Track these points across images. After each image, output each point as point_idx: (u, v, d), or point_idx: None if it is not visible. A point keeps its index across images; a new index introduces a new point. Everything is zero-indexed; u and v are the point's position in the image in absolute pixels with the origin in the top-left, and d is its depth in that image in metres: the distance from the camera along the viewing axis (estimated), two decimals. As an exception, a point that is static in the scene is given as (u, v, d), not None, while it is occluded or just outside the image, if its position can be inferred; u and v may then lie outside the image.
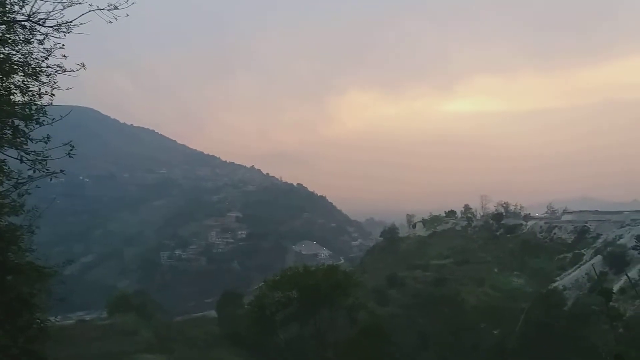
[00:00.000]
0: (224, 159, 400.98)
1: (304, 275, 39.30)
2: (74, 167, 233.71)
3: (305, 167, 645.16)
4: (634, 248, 79.69)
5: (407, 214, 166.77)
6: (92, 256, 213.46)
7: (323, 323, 37.45)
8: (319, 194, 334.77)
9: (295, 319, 37.93)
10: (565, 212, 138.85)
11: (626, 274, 68.37)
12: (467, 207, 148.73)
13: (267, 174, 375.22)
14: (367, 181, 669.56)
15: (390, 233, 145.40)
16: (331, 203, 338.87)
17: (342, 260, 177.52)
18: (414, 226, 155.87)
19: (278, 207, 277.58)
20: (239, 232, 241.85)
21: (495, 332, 55.36)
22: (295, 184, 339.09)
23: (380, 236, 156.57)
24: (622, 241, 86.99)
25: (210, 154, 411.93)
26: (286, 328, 38.54)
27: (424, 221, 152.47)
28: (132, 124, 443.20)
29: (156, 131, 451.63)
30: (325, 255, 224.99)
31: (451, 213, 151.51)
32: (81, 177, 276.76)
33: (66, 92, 9.56)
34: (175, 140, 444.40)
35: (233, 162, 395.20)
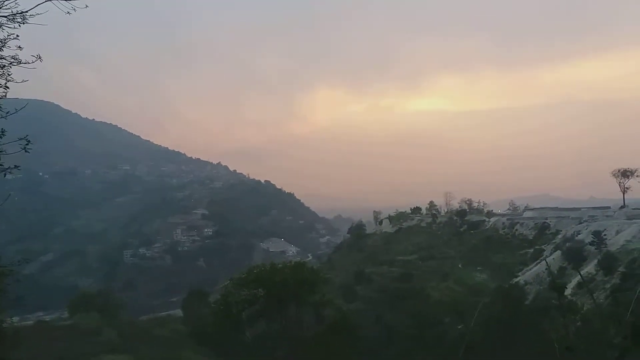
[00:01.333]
0: (189, 155, 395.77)
1: (271, 272, 39.17)
2: (33, 163, 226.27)
3: (272, 164, 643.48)
4: (591, 243, 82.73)
5: (374, 211, 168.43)
6: (53, 255, 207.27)
7: (290, 320, 37.43)
8: (286, 191, 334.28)
9: (261, 316, 37.80)
10: (526, 209, 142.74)
11: (579, 272, 70.74)
12: (432, 204, 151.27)
13: (234, 170, 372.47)
14: (335, 178, 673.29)
15: (357, 230, 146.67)
16: (299, 200, 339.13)
17: (310, 257, 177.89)
18: (381, 223, 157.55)
19: (245, 204, 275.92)
20: (205, 230, 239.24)
21: (459, 326, 56.44)
22: (262, 181, 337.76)
23: (348, 233, 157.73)
24: (580, 237, 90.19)
25: (176, 150, 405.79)
26: (253, 326, 38.35)
27: (390, 218, 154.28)
28: (94, 119, 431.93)
29: (119, 126, 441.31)
30: (293, 252, 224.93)
31: (416, 210, 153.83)
32: (40, 174, 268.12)
33: (25, 86, 9.19)
34: (139, 136, 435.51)
35: (199, 159, 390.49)
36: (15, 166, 8.89)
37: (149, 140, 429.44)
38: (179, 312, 78.60)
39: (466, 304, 63.46)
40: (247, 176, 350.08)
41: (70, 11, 8.51)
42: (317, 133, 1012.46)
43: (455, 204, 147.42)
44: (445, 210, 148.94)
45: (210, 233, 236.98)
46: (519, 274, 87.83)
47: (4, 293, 10.13)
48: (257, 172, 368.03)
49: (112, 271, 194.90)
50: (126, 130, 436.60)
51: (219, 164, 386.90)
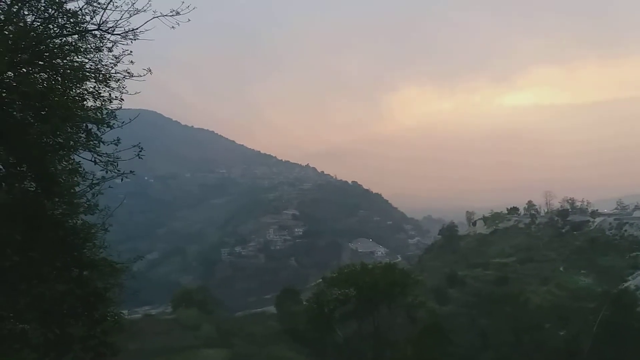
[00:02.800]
0: (279, 158, 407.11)
1: (362, 272, 39.20)
2: (139, 168, 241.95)
3: (359, 165, 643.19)
4: None
5: (467, 211, 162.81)
6: (157, 253, 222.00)
7: (381, 321, 37.25)
8: (374, 192, 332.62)
9: (353, 317, 37.92)
10: (637, 208, 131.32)
11: None
12: (530, 204, 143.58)
13: (322, 172, 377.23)
14: (424, 178, 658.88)
15: (449, 231, 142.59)
16: (387, 200, 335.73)
17: (399, 259, 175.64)
18: (474, 224, 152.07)
19: (333, 204, 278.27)
20: (296, 230, 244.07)
21: (561, 332, 53.07)
22: (349, 182, 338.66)
23: (439, 234, 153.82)
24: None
25: (267, 153, 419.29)
26: (344, 325, 38.60)
27: (484, 218, 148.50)
28: (192, 126, 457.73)
29: (215, 132, 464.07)
30: (382, 253, 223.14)
31: (513, 210, 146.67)
32: (146, 178, 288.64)
33: (128, 97, 10.04)
34: (233, 141, 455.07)
35: (288, 161, 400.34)
36: (131, 171, 9.72)
37: (242, 145, 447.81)
38: (272, 309, 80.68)
39: (569, 309, 59.56)
40: (334, 177, 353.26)
41: (175, 25, 9.14)
42: (404, 132, 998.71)
43: (556, 204, 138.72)
44: (545, 210, 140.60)
45: (301, 233, 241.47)
46: (629, 278, 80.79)
47: (122, 288, 11.10)
48: (344, 173, 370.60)
49: (210, 269, 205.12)
50: (221, 136, 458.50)
51: (307, 165, 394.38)
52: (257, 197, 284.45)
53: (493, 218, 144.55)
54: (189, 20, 9.18)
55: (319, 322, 39.59)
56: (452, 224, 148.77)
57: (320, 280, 47.81)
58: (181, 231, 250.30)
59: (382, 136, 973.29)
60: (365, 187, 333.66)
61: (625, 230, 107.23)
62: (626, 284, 75.59)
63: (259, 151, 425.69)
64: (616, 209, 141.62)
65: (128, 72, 9.69)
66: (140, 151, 9.69)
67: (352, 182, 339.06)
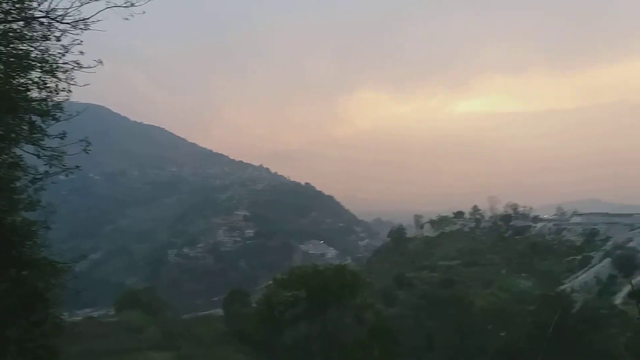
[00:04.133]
0: (232, 157, 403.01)
1: (313, 274, 39.34)
2: (85, 164, 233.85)
3: (313, 167, 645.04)
4: (644, 252, 79.15)
5: (415, 215, 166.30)
6: (101, 252, 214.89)
7: (331, 323, 37.49)
8: (326, 194, 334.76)
9: (303, 319, 37.98)
10: (574, 214, 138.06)
11: (630, 282, 67.78)
12: (475, 208, 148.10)
13: (276, 172, 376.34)
14: (376, 181, 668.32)
15: (397, 233, 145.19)
16: (339, 203, 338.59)
17: (349, 260, 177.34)
18: (422, 227, 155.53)
19: (286, 206, 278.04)
20: (247, 231, 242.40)
21: (502, 334, 55.07)
22: (303, 183, 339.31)
23: (388, 236, 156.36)
24: (632, 244, 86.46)
25: (219, 152, 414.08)
26: (294, 327, 38.59)
27: (432, 222, 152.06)
28: (142, 122, 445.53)
29: (166, 129, 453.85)
30: (332, 255, 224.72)
31: (459, 214, 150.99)
32: (92, 175, 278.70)
33: (76, 90, 9.66)
34: (185, 139, 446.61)
35: (241, 161, 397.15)
36: (77, 166, 9.35)
37: (194, 143, 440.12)
38: (220, 312, 79.70)
39: (510, 311, 61.91)
40: (287, 178, 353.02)
41: (129, 17, 8.88)
42: (360, 135, 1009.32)
43: (500, 208, 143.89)
44: (490, 214, 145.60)
45: (252, 234, 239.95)
46: (566, 281, 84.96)
47: (63, 288, 10.64)
48: (298, 175, 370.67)
49: (156, 270, 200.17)
50: (172, 133, 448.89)
51: (260, 166, 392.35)
52: (208, 197, 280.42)
53: (440, 222, 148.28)
54: (144, 12, 8.94)
55: (268, 324, 39.44)
56: (400, 227, 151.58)
57: (271, 282, 47.63)
58: (128, 230, 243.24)
59: (338, 138, 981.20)
60: (318, 188, 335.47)
61: (564, 235, 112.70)
62: (563, 287, 79.49)
63: (211, 150, 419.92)
64: (555, 214, 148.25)
65: (77, 63, 9.32)
66: (88, 146, 9.34)
67: (306, 183, 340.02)
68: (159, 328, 60.18)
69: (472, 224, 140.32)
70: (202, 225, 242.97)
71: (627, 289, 70.88)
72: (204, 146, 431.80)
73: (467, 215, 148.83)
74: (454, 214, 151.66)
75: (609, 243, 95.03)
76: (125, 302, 74.17)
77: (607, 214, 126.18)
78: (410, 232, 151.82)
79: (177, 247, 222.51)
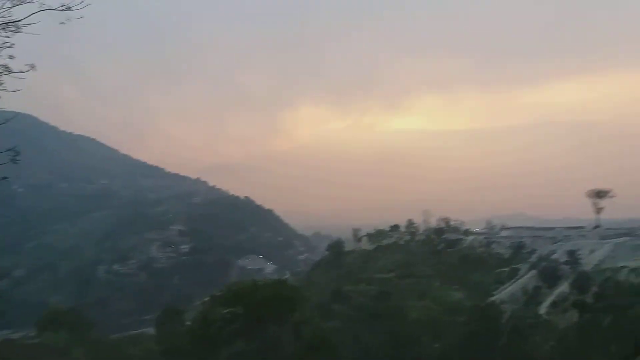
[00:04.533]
0: (168, 170, 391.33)
1: (251, 290, 38.70)
2: (7, 176, 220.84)
3: (252, 180, 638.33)
4: (566, 263, 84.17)
5: (353, 228, 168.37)
6: (24, 270, 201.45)
7: (269, 339, 36.96)
8: (266, 208, 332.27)
9: (240, 335, 37.19)
10: (502, 228, 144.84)
11: (552, 291, 71.74)
12: (410, 222, 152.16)
13: (214, 186, 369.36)
14: (316, 195, 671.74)
15: (336, 247, 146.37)
16: (278, 217, 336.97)
17: (288, 275, 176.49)
18: (360, 240, 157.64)
19: (223, 220, 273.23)
20: (182, 246, 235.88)
21: (436, 345, 56.50)
22: (242, 197, 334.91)
23: (327, 250, 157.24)
24: (555, 256, 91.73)
25: (154, 164, 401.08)
26: (230, 345, 37.70)
27: (369, 235, 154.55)
28: (72, 132, 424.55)
29: (97, 140, 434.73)
30: (271, 270, 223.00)
31: (395, 227, 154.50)
32: (15, 187, 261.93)
33: (6, 95, 9.08)
34: (117, 150, 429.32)
35: (177, 174, 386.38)
36: (4, 177, 8.76)
37: (127, 155, 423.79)
38: (151, 331, 76.95)
39: (443, 323, 63.72)
40: (226, 192, 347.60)
41: (65, 22, 8.50)
42: (299, 149, 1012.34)
43: (433, 222, 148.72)
44: (424, 228, 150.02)
45: (187, 249, 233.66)
46: (495, 292, 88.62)
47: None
48: (236, 188, 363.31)
49: (84, 288, 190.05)
50: (104, 144, 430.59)
51: (198, 179, 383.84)
52: (141, 211, 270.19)
53: (377, 235, 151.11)
54: (82, 17, 8.55)
55: (203, 342, 38.31)
56: (339, 241, 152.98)
57: (207, 298, 46.39)
58: (53, 246, 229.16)
59: (277, 152, 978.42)
60: (257, 202, 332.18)
61: (493, 248, 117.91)
62: (492, 298, 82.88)
63: (146, 162, 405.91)
64: (485, 228, 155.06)
65: (6, 67, 8.74)
66: (16, 155, 8.76)
67: (245, 197, 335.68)
68: (85, 349, 57.15)
69: (408, 237, 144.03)
70: (134, 241, 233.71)
71: (550, 299, 74.96)
72: (138, 158, 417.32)
73: (402, 229, 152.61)
74: (390, 227, 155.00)
75: (535, 255, 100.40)
76: (48, 322, 69.72)
77: (532, 228, 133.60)
78: (349, 246, 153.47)
79: (107, 264, 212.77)
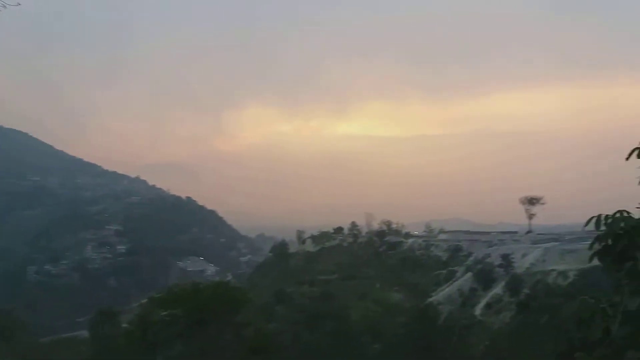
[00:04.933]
0: (106, 168, 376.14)
1: (192, 292, 37.94)
2: None
3: (196, 180, 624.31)
4: (500, 266, 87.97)
5: (298, 230, 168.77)
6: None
7: (209, 341, 36.41)
8: (209, 208, 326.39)
9: (180, 339, 36.37)
10: (441, 231, 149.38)
11: (486, 293, 74.70)
12: (353, 224, 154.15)
13: (154, 185, 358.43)
14: (261, 196, 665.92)
15: (280, 249, 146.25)
16: (221, 218, 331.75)
17: (230, 277, 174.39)
18: (304, 242, 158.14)
19: (164, 220, 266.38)
20: (119, 247, 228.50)
21: (375, 346, 57.57)
22: (184, 197, 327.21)
23: (270, 252, 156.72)
24: (489, 260, 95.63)
25: (92, 161, 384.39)
26: (169, 348, 36.80)
27: (313, 237, 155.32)
28: (2, 125, 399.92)
29: (30, 134, 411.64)
30: (212, 271, 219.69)
31: (339, 230, 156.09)
32: None
33: None
34: (52, 145, 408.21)
35: (116, 172, 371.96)
36: None
37: (62, 150, 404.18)
38: (85, 334, 74.13)
39: (383, 323, 65.07)
40: (167, 191, 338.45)
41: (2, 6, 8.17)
42: (244, 150, 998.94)
43: (376, 225, 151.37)
44: (366, 230, 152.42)
45: (124, 250, 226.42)
46: (433, 294, 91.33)
47: None
48: (178, 188, 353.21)
49: (13, 290, 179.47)
50: (37, 139, 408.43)
51: (137, 177, 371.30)
52: (77, 210, 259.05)
53: (321, 237, 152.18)
54: (19, 4, 8.22)
55: (140, 346, 37.18)
56: (283, 242, 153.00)
57: (145, 300, 45.10)
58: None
59: (222, 152, 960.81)
60: (200, 203, 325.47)
61: (432, 251, 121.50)
62: (430, 299, 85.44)
63: (82, 159, 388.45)
64: (425, 231, 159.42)
65: None
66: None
67: (187, 197, 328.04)
68: (13, 353, 54.29)
69: (351, 240, 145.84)
70: (68, 241, 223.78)
71: (485, 300, 78.13)
72: (74, 154, 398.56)
73: (346, 231, 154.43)
74: (334, 229, 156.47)
75: (471, 258, 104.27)
76: (-28, 327, 65.54)
77: (469, 232, 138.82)
78: (293, 248, 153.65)
79: (38, 264, 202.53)
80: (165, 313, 35.68)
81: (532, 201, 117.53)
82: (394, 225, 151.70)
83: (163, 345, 35.86)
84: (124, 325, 53.79)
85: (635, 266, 4.38)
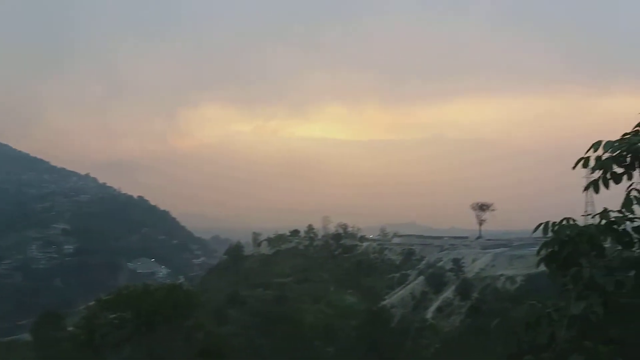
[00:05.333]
0: (53, 164, 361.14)
1: (142, 294, 36.88)
2: None
3: (149, 179, 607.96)
4: (451, 270, 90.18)
5: (254, 232, 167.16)
6: None
7: (158, 345, 35.52)
8: (161, 208, 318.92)
9: (129, 342, 35.28)
10: (395, 235, 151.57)
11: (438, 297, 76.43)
12: (310, 227, 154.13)
13: (104, 183, 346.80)
14: (215, 197, 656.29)
15: (235, 251, 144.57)
16: (174, 218, 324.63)
17: (182, 279, 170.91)
18: (260, 244, 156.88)
19: (113, 220, 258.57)
20: (65, 247, 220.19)
21: (329, 349, 57.78)
22: (135, 196, 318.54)
23: (225, 254, 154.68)
24: (441, 264, 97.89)
25: (38, 156, 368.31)
26: (117, 352, 35.65)
27: (269, 240, 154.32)
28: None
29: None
30: (164, 273, 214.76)
31: (295, 232, 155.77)
32: None
33: None
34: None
35: (64, 168, 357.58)
36: None
37: (7, 145, 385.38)
38: (28, 337, 71.11)
39: (336, 326, 65.42)
40: (118, 190, 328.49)
41: None
42: (200, 150, 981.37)
43: (332, 228, 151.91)
44: (323, 233, 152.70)
45: (71, 250, 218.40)
46: (386, 297, 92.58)
47: None
48: (130, 187, 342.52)
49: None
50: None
51: (87, 175, 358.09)
52: (21, 207, 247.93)
53: (276, 239, 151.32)
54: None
55: (86, 350, 35.87)
56: (238, 244, 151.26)
57: (92, 303, 43.56)
58: None
59: (178, 151, 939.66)
60: (153, 202, 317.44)
61: (385, 255, 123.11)
62: (384, 302, 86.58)
63: (28, 154, 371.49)
64: (379, 235, 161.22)
65: None
66: None
67: (139, 196, 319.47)
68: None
69: (307, 242, 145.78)
70: (11, 239, 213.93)
71: (436, 304, 79.82)
72: (18, 149, 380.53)
73: (302, 234, 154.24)
74: (290, 232, 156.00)
75: (423, 262, 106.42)
76: None
77: (422, 236, 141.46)
78: (248, 250, 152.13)
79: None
80: (113, 316, 34.63)
81: (482, 207, 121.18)
82: (349, 229, 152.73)
83: (111, 350, 34.73)
84: (70, 328, 51.86)
85: (580, 272, 4.55)
